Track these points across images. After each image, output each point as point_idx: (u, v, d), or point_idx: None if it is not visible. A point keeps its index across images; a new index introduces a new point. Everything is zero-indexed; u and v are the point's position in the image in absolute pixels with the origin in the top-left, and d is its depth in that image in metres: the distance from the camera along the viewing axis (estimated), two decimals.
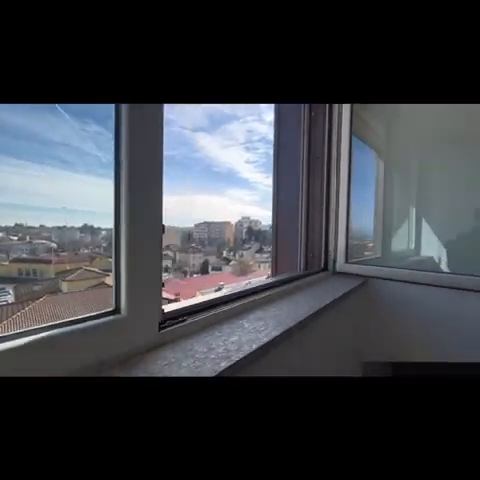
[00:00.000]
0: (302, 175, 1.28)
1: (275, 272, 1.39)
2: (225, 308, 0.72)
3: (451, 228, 2.06)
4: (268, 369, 0.62)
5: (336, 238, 1.25)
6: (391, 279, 1.14)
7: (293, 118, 1.32)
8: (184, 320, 0.63)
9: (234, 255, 5.64)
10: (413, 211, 2.52)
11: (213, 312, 0.69)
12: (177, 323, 0.60)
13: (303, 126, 1.28)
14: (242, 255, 5.60)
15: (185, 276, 4.86)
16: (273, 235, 1.41)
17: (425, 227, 2.36)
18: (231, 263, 5.36)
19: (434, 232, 2.23)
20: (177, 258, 5.33)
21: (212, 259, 5.77)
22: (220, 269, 5.32)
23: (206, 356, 0.52)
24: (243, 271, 5.01)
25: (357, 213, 2.28)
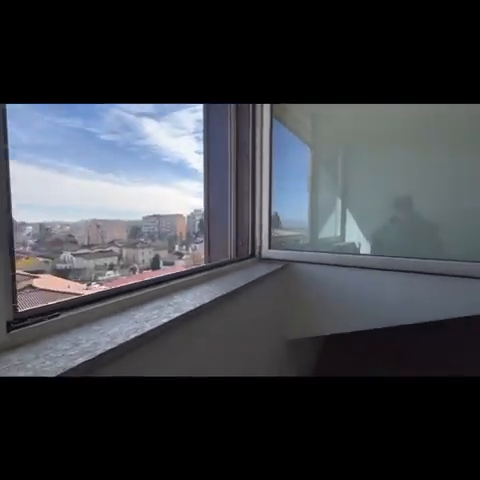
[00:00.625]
0: (230, 168, 1.31)
1: (208, 260, 1.39)
2: (114, 300, 0.67)
3: (372, 216, 2.29)
4: (157, 353, 0.59)
5: (261, 227, 1.29)
6: (309, 262, 1.23)
7: (221, 113, 1.32)
8: (56, 315, 0.55)
9: (187, 249, 5.49)
10: (339, 202, 2.71)
11: (98, 305, 0.62)
12: (39, 321, 0.52)
13: (230, 120, 1.30)
14: (195, 249, 5.49)
15: (134, 273, 4.57)
16: (205, 225, 1.41)
17: (349, 216, 2.58)
18: (184, 257, 5.21)
19: (357, 220, 2.45)
20: (124, 254, 4.96)
21: (164, 254, 5.53)
22: (173, 264, 5.14)
23: (64, 354, 0.46)
24: (196, 265, 4.92)
25: (295, 205, 2.38)
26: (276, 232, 2.16)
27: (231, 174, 1.33)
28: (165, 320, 0.60)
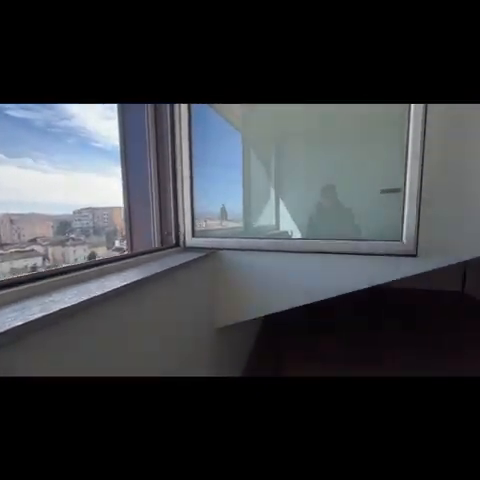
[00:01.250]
0: (150, 161, 1.31)
1: (131, 250, 1.40)
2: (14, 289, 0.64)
3: (303, 204, 2.52)
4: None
5: (184, 217, 1.33)
6: (234, 249, 1.32)
7: (137, 105, 1.30)
8: None
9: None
10: (273, 191, 2.90)
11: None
12: None
13: (147, 112, 1.29)
14: None
15: None
16: (126, 217, 1.40)
17: (282, 205, 2.80)
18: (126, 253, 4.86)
19: (289, 209, 2.69)
20: (50, 253, 4.37)
21: (102, 250, 5.05)
22: None
23: None
24: None
25: (228, 195, 2.47)
26: (224, 224, 2.23)
27: (151, 167, 1.33)
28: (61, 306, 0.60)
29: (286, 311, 1.27)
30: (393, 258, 1.01)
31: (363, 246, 1.05)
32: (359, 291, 1.13)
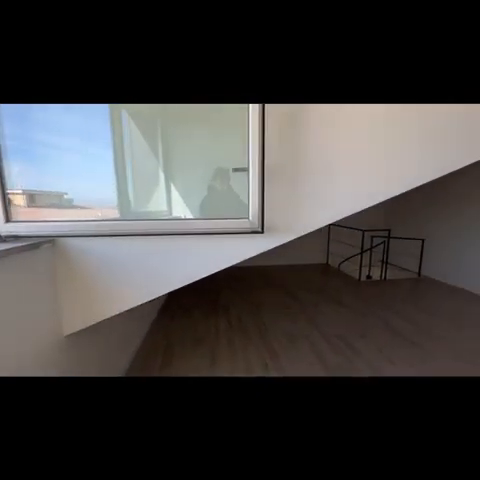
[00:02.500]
0: None
1: None
2: None
3: (196, 189, 2.38)
4: None
5: None
6: (79, 235, 1.05)
7: None
8: None
9: None
10: (162, 176, 2.65)
11: None
12: None
13: None
14: None
15: None
16: None
17: (174, 190, 2.60)
18: None
19: (182, 194, 2.52)
20: None
21: None
22: None
23: None
24: None
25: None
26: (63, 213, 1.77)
27: None
28: None
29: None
30: (248, 236, 1.06)
31: (216, 225, 1.04)
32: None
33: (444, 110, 1.12)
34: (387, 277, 3.71)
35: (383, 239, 3.65)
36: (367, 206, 1.10)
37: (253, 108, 0.94)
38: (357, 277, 3.63)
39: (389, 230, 3.57)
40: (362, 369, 1.71)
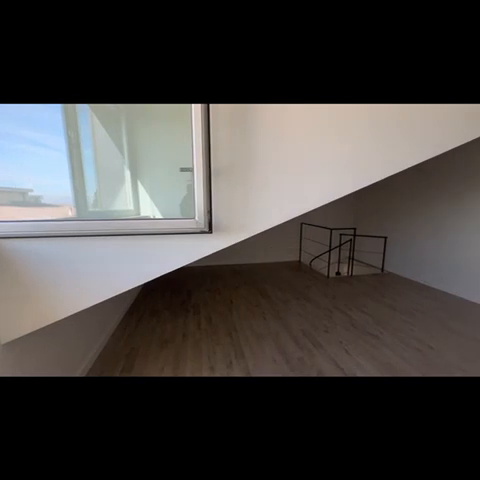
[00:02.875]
0: None
1: None
2: None
3: (163, 187, 2.32)
4: None
5: None
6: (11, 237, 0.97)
7: None
8: None
9: None
10: (128, 174, 2.58)
11: None
12: None
13: None
14: None
15: None
16: None
17: (141, 188, 2.51)
18: None
19: (149, 192, 2.45)
20: None
21: None
22: None
23: None
24: None
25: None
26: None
27: None
28: None
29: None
30: (197, 236, 1.05)
31: (163, 225, 1.02)
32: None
33: (393, 110, 1.19)
34: (354, 273, 3.90)
35: (350, 237, 3.83)
36: (318, 205, 1.14)
37: (195, 108, 0.93)
38: (326, 274, 3.78)
39: (355, 229, 3.75)
40: (321, 362, 1.78)
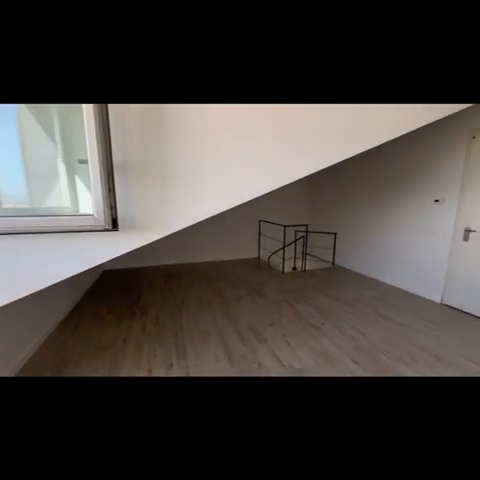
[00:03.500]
0: None
1: None
2: None
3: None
4: None
5: None
6: None
7: None
8: None
9: None
10: (63, 167, 2.33)
11: None
12: None
13: None
14: None
15: None
16: None
17: (79, 184, 2.29)
18: None
19: (86, 188, 2.23)
20: None
21: None
22: None
23: None
24: None
25: None
26: None
27: None
28: None
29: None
30: (103, 235, 0.98)
31: (56, 223, 0.93)
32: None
33: (309, 116, 1.24)
34: (308, 268, 4.08)
35: (303, 233, 4.00)
36: (238, 203, 1.14)
37: (87, 106, 0.86)
38: (282, 270, 3.90)
39: (306, 225, 3.92)
40: (262, 356, 1.83)
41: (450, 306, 2.65)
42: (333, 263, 4.21)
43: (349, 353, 1.87)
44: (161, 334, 2.11)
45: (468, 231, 2.47)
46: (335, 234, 4.15)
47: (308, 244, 4.46)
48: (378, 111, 1.37)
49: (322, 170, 1.31)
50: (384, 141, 1.42)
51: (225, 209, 1.13)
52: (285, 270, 3.90)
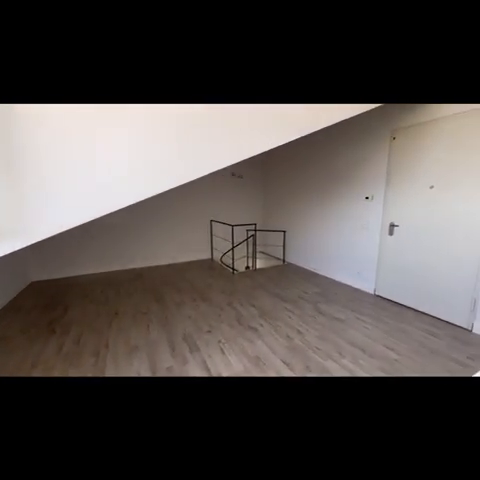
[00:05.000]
0: None
1: None
2: None
3: None
4: None
5: None
6: None
7: None
8: None
9: None
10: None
11: None
12: None
13: None
14: None
15: None
16: None
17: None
18: None
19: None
20: None
21: None
22: None
23: None
24: None
25: None
26: None
27: None
28: None
29: None
30: None
31: None
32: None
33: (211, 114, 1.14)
34: (259, 266, 4.08)
35: (253, 232, 3.98)
36: (113, 210, 0.99)
37: None
38: (233, 270, 3.83)
39: (255, 224, 3.91)
40: (191, 368, 1.70)
41: (382, 297, 2.83)
42: (283, 260, 4.28)
43: (281, 354, 1.85)
44: (79, 355, 1.86)
45: (392, 226, 2.65)
46: (284, 232, 4.21)
47: (262, 243, 4.47)
48: (283, 110, 1.35)
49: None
50: (289, 140, 1.39)
51: (107, 212, 0.97)
52: (237, 270, 3.84)
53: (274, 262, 4.35)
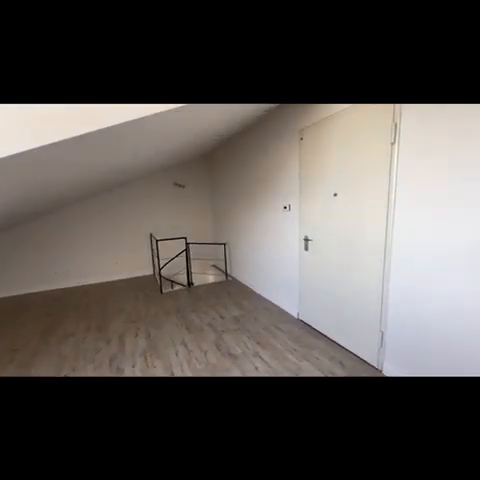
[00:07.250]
0: None
1: None
2: None
3: None
4: None
5: None
6: None
7: None
8: None
9: None
10: None
11: None
12: None
13: None
14: None
15: None
16: None
17: None
18: None
19: None
20: None
21: None
22: None
23: None
24: None
25: None
26: None
27: None
28: None
29: None
30: None
31: None
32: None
33: None
34: (201, 282, 3.69)
35: (189, 245, 3.62)
36: None
37: None
38: (179, 285, 3.47)
39: (185, 237, 3.56)
40: None
41: (304, 322, 2.42)
42: (226, 275, 3.90)
43: None
44: None
45: (306, 240, 2.26)
46: (224, 244, 3.85)
47: (215, 257, 4.11)
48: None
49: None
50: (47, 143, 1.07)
51: None
52: (173, 288, 3.48)
53: (219, 278, 3.97)
